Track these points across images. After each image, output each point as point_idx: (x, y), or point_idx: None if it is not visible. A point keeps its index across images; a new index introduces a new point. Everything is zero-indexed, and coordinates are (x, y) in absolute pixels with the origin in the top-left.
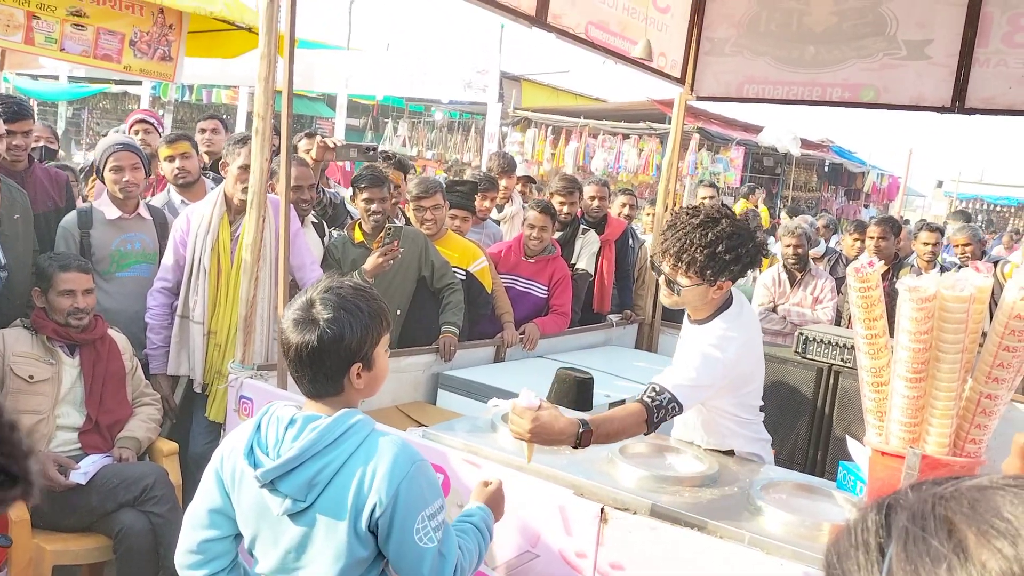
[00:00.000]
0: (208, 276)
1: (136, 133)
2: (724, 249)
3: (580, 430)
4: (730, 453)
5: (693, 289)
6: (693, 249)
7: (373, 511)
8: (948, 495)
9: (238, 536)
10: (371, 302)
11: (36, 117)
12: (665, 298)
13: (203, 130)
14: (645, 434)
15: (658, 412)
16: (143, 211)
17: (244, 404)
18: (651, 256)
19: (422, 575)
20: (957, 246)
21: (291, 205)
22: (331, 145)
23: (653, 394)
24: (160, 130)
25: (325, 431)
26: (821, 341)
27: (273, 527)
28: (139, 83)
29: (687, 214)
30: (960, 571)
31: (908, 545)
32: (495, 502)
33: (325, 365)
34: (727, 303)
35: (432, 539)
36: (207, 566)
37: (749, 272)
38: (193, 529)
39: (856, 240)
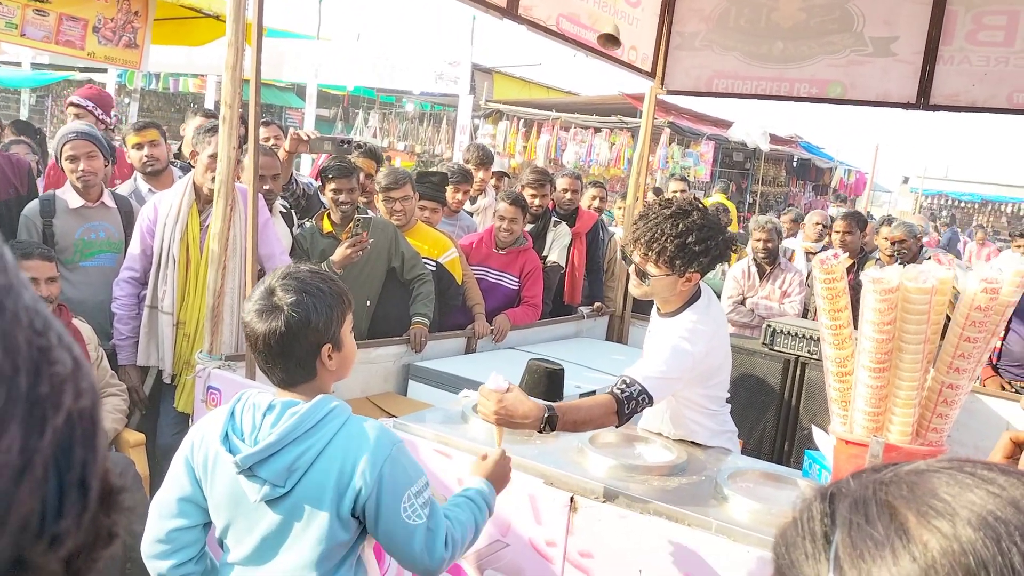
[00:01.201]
0: (177, 266)
1: (76, 117)
2: (694, 240)
3: (546, 414)
4: (697, 444)
5: (662, 279)
6: (664, 239)
7: (358, 496)
8: (888, 480)
9: (206, 525)
10: (331, 283)
11: None
12: (634, 288)
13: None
14: (616, 426)
15: (628, 404)
16: (107, 199)
17: (212, 394)
18: (622, 246)
19: (414, 552)
20: (894, 242)
21: (259, 194)
22: (305, 137)
23: (623, 386)
24: (96, 113)
25: (305, 416)
26: (788, 333)
27: (249, 515)
28: (105, 71)
29: (659, 205)
30: (903, 552)
31: (852, 531)
32: (496, 475)
33: (296, 350)
34: (695, 296)
35: (420, 515)
36: (175, 556)
37: (718, 266)
38: (161, 519)
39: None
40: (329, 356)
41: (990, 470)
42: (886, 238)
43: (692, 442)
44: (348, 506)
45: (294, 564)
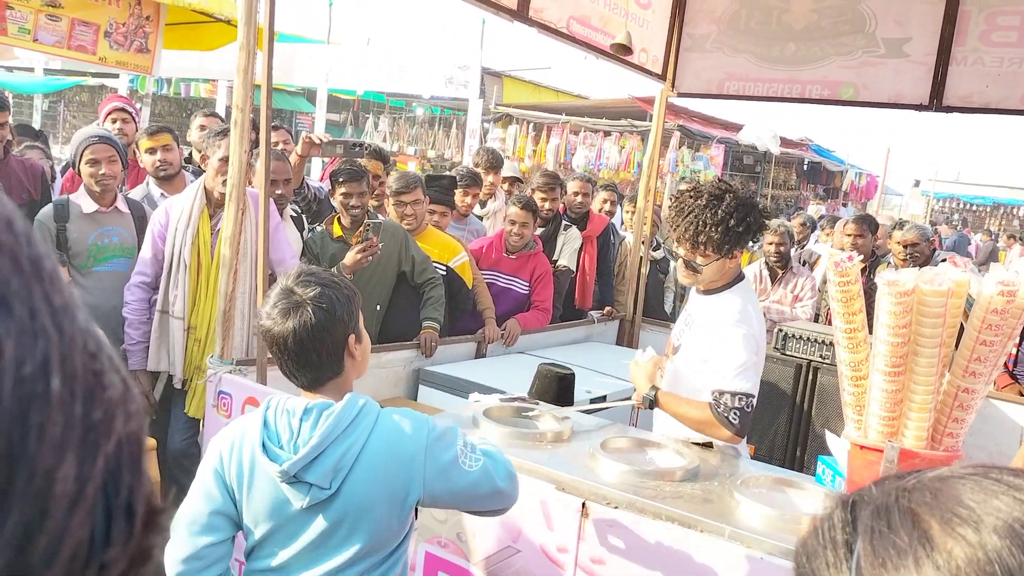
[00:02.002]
0: (188, 270)
1: (113, 122)
2: (736, 222)
3: (654, 391)
4: (708, 445)
5: (712, 265)
6: (707, 229)
7: (416, 488)
8: (911, 487)
9: (233, 538)
10: (342, 279)
11: (11, 109)
12: (685, 278)
13: (203, 127)
14: (735, 440)
15: (731, 414)
16: (121, 204)
17: (223, 399)
18: (665, 240)
19: (499, 487)
20: (906, 246)
21: (271, 199)
22: (317, 141)
23: (714, 402)
24: (137, 119)
25: (341, 415)
26: (800, 337)
27: (291, 523)
28: (116, 76)
29: (691, 197)
30: (927, 561)
31: (874, 539)
32: None
33: (326, 343)
34: (739, 276)
35: (478, 459)
36: (206, 572)
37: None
38: (192, 535)
39: (827, 235)
40: (355, 347)
41: (1017, 476)
42: (899, 242)
43: (704, 444)
44: (403, 499)
45: (340, 564)
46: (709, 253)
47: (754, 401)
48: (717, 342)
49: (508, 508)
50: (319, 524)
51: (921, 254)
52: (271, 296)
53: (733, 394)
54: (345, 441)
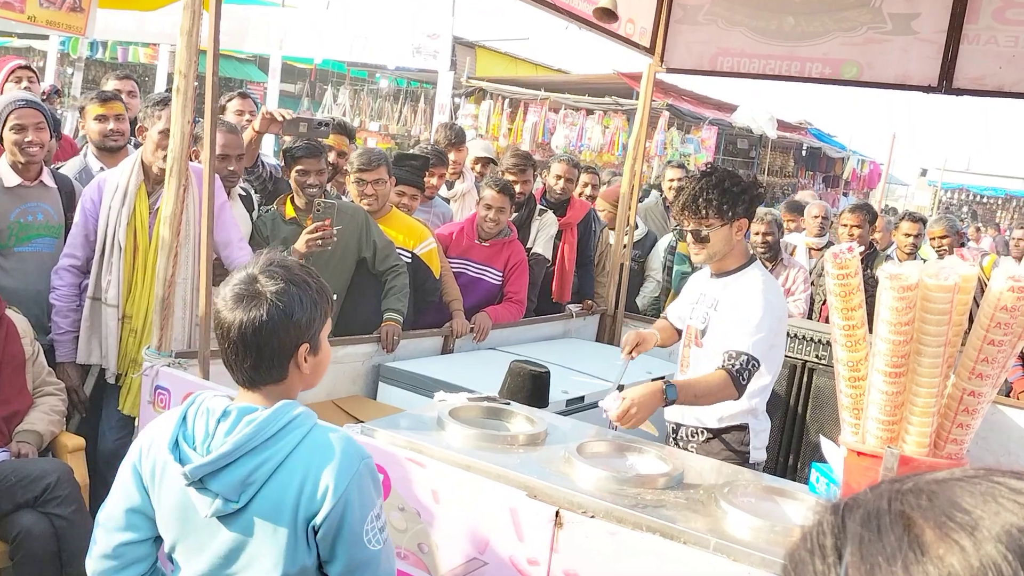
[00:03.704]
0: (123, 253)
1: (18, 81)
2: (730, 184)
3: (664, 385)
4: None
5: (718, 231)
6: (704, 193)
7: (318, 514)
8: (906, 490)
9: (157, 539)
10: (316, 278)
11: None
12: (696, 255)
13: (117, 91)
14: (736, 398)
15: (742, 376)
16: (47, 178)
17: (160, 395)
18: (675, 227)
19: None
20: (934, 239)
21: (216, 176)
22: (278, 118)
23: (731, 361)
24: (38, 80)
25: (263, 424)
26: (794, 336)
27: (199, 531)
28: (46, 37)
29: (680, 180)
30: (916, 568)
31: (863, 545)
32: None
33: (272, 345)
34: (753, 256)
35: (379, 541)
36: (124, 572)
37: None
38: (108, 532)
39: (790, 221)
40: (305, 358)
41: (1021, 479)
42: (906, 234)
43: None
44: (308, 525)
45: None
46: (712, 220)
47: (756, 370)
48: (741, 308)
49: None
50: (226, 539)
51: (950, 249)
52: (234, 277)
53: (748, 357)
54: (262, 453)
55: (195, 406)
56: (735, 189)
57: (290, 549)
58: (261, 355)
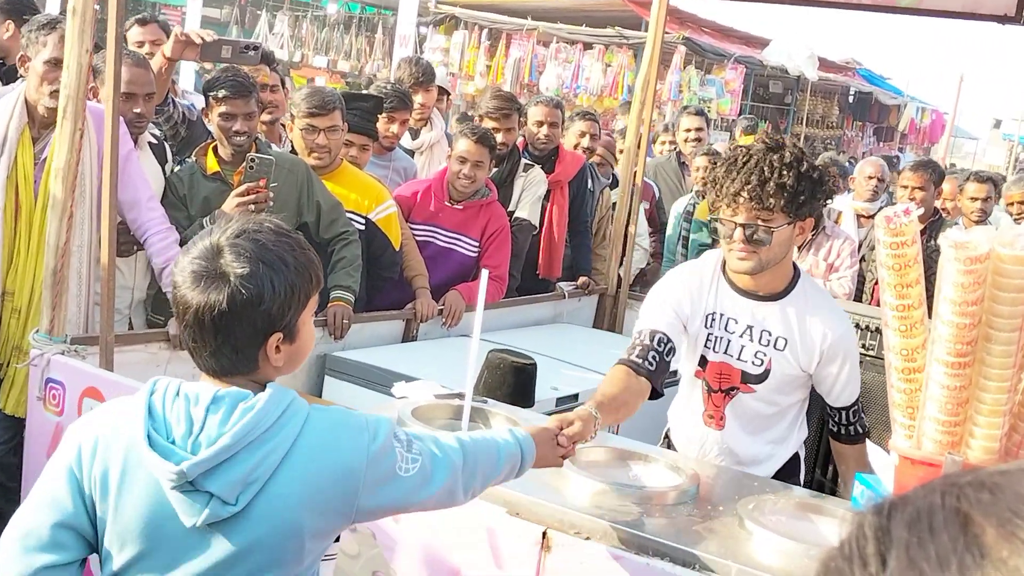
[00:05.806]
0: (3, 214)
1: None
2: (808, 167)
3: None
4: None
5: (783, 231)
6: (775, 176)
7: (349, 509)
8: (964, 483)
9: (83, 562)
10: (298, 253)
11: None
12: (742, 260)
13: None
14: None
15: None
16: None
17: (52, 390)
18: (709, 218)
19: (432, 492)
20: (1012, 203)
21: (121, 118)
22: (196, 40)
23: (861, 420)
24: None
25: (262, 412)
26: None
27: (173, 544)
28: None
29: (735, 149)
30: (974, 572)
31: (911, 548)
32: (544, 440)
33: (234, 335)
34: (798, 268)
35: (416, 458)
36: None
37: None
38: (25, 552)
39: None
40: (277, 349)
41: None
42: (973, 197)
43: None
44: (338, 525)
45: None
46: (778, 214)
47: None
48: (850, 355)
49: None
50: (215, 551)
51: None
52: (195, 246)
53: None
54: (263, 447)
55: (160, 393)
56: (814, 175)
57: (294, 560)
58: (221, 345)
